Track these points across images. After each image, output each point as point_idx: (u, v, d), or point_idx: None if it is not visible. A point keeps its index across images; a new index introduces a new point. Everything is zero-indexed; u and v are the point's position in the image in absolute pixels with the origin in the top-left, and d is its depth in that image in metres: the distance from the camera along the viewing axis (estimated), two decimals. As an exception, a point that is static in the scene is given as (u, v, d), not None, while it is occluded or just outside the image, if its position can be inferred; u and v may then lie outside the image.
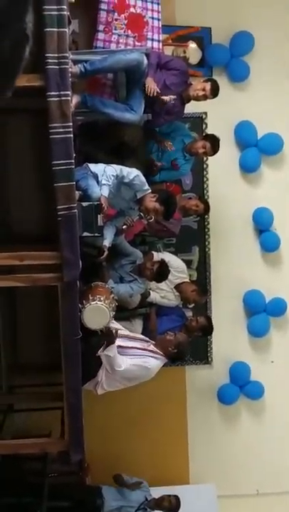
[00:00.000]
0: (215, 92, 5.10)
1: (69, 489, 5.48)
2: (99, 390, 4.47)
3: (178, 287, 5.65)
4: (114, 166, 4.55)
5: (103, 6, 5.10)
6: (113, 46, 5.10)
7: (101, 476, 5.56)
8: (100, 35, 5.11)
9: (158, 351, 4.67)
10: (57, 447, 4.54)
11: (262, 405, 6.50)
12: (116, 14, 5.13)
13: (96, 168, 4.50)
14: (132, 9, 5.17)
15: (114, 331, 4.34)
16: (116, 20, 5.14)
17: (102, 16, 5.10)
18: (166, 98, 4.89)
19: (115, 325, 4.62)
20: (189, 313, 6.00)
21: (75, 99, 4.48)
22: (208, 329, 5.70)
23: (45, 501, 4.86)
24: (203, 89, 5.03)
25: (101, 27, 5.11)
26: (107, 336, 4.32)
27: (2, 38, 0.74)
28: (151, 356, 4.60)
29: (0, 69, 0.78)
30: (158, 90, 4.79)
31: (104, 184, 4.39)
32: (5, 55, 0.76)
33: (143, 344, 4.68)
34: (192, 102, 5.20)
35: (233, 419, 6.51)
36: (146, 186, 4.66)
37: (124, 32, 5.17)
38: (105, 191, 4.37)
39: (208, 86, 5.04)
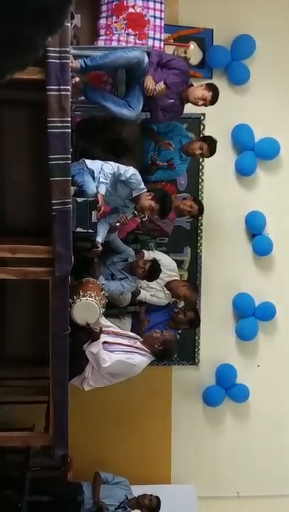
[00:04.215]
0: (214, 102, 5.09)
1: (50, 484, 5.46)
2: (85, 386, 4.47)
3: (168, 285, 5.65)
4: (111, 163, 4.55)
5: (103, 14, 5.13)
6: (114, 44, 5.11)
7: (83, 473, 5.55)
8: (102, 37, 5.13)
9: (144, 348, 4.67)
10: (41, 441, 4.54)
11: (246, 408, 6.51)
12: (114, 17, 5.15)
13: (93, 164, 4.50)
14: (130, 9, 5.18)
15: (98, 329, 4.35)
16: (115, 22, 5.16)
17: (102, 22, 5.13)
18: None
19: (105, 322, 4.63)
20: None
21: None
22: (195, 322, 5.71)
23: (26, 495, 4.85)
24: (204, 99, 5.01)
25: (102, 31, 5.14)
26: (91, 333, 4.32)
27: None
28: (137, 353, 4.60)
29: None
30: (155, 90, 4.79)
31: (102, 182, 4.39)
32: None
33: (130, 341, 4.68)
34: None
35: (217, 421, 6.52)
36: (143, 185, 4.67)
37: (125, 31, 5.18)
38: (102, 189, 4.37)
39: (209, 97, 5.01)
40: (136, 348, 4.63)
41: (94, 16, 5.23)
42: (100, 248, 4.62)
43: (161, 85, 4.77)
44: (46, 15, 0.83)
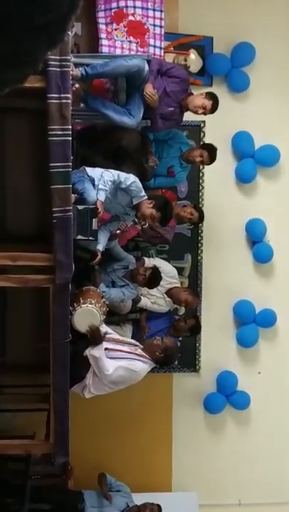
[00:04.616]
0: (214, 110, 5.11)
1: (51, 492, 5.45)
2: (86, 393, 4.46)
3: (169, 292, 5.65)
4: (111, 171, 4.56)
5: (101, 20, 5.15)
6: (118, 51, 5.13)
7: (83, 481, 5.53)
8: (104, 42, 5.15)
9: (145, 355, 4.66)
10: (42, 449, 4.53)
11: (247, 416, 6.50)
12: (115, 25, 5.17)
13: (93, 172, 4.51)
14: (130, 17, 5.21)
15: (101, 332, 4.35)
16: (116, 29, 5.18)
17: (102, 28, 5.15)
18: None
19: (105, 329, 4.62)
20: (179, 319, 6.00)
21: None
22: (196, 329, 5.72)
23: (27, 503, 4.84)
24: (204, 108, 5.04)
25: (103, 35, 5.15)
26: (93, 337, 4.31)
27: None
28: (139, 360, 4.59)
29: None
30: (152, 93, 4.80)
31: (101, 189, 4.40)
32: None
33: (131, 348, 4.68)
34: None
35: (218, 428, 6.50)
36: (143, 193, 4.67)
37: (127, 38, 5.20)
38: (102, 196, 4.38)
39: (209, 105, 5.04)
40: (137, 355, 4.63)
41: (94, 24, 5.25)
42: (99, 256, 4.62)
43: (151, 91, 4.78)
44: (48, 30, 0.83)
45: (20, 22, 0.79)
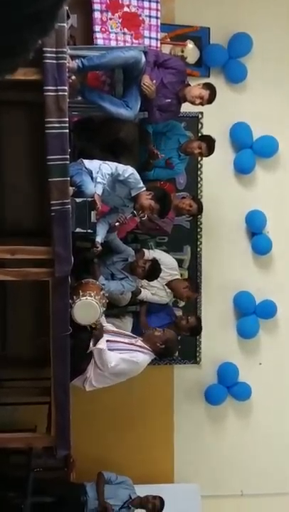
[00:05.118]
0: (211, 101, 5.10)
1: (53, 485, 5.46)
2: (87, 386, 4.47)
3: (169, 284, 5.65)
4: (109, 163, 4.55)
5: (96, 7, 5.11)
6: (113, 43, 5.11)
7: (86, 473, 5.54)
8: (98, 35, 5.12)
9: (146, 346, 4.67)
10: (43, 442, 4.53)
11: (249, 407, 6.50)
12: (110, 14, 5.13)
13: (91, 164, 4.50)
14: (125, 8, 5.18)
15: (100, 326, 4.36)
16: (110, 19, 5.15)
17: (97, 17, 5.11)
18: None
19: (103, 321, 4.63)
20: (179, 313, 5.99)
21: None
22: (196, 330, 5.71)
23: (30, 496, 4.85)
24: (201, 98, 5.02)
25: (97, 27, 5.12)
26: (96, 333, 4.33)
27: None
28: (139, 351, 4.60)
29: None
30: (149, 83, 4.78)
31: (99, 182, 4.39)
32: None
33: (131, 339, 4.68)
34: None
35: (219, 419, 6.51)
36: (141, 184, 4.66)
37: (121, 30, 5.18)
38: (99, 190, 4.37)
39: (206, 95, 5.02)
40: (137, 346, 4.64)
41: (89, 16, 5.21)
42: (100, 248, 4.62)
43: (148, 82, 4.76)
44: (38, 19, 0.83)
45: (10, 12, 0.79)
